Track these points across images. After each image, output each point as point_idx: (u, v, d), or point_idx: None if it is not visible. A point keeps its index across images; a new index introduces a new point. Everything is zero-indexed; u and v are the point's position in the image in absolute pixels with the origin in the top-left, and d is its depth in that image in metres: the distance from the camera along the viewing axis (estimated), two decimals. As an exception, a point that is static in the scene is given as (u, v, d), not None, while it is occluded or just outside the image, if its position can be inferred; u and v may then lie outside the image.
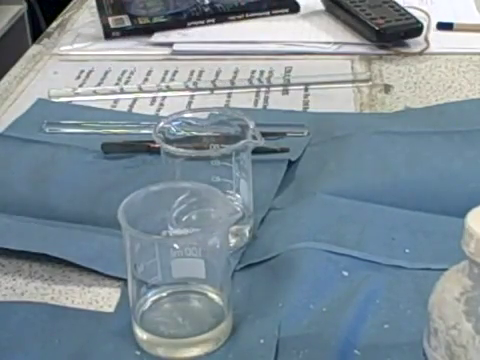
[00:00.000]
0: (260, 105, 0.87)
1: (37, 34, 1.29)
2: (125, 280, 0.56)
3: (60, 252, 0.61)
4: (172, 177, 0.61)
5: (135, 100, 0.89)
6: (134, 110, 0.87)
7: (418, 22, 0.99)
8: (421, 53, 0.97)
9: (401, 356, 0.51)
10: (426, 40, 0.99)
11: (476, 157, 0.71)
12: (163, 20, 1.07)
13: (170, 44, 1.03)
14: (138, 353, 0.53)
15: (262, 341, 0.52)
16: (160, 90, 0.91)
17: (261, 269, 0.60)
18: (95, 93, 0.90)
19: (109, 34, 1.04)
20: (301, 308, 0.55)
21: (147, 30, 1.06)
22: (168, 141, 0.62)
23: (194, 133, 0.65)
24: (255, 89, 0.91)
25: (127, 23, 1.07)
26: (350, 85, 0.90)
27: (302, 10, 1.12)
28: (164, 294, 0.55)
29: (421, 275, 0.58)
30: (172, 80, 0.94)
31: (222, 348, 0.53)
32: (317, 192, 0.67)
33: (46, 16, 2.03)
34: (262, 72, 0.95)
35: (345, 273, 0.58)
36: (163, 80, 0.94)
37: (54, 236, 0.64)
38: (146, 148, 0.76)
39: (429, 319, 0.43)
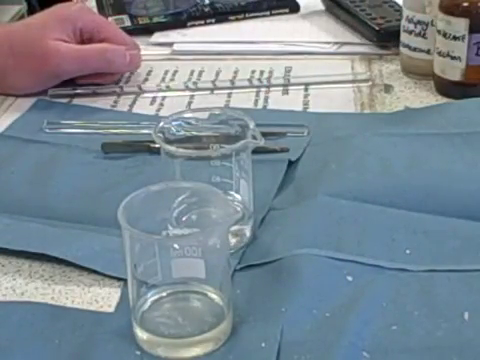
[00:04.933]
0: (260, 105, 0.87)
1: (37, 34, 1.29)
2: (125, 280, 0.56)
3: (60, 252, 0.61)
4: (172, 177, 0.61)
5: (135, 100, 0.89)
6: (134, 110, 0.87)
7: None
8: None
9: (411, 357, 0.51)
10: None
11: (476, 159, 0.71)
12: (163, 20, 1.07)
13: (170, 44, 1.03)
14: (138, 353, 0.53)
15: (263, 345, 0.52)
16: (160, 90, 0.91)
17: (262, 271, 0.60)
18: (95, 93, 0.90)
19: (109, 34, 1.04)
20: (304, 313, 0.54)
21: (147, 30, 1.06)
22: (168, 141, 0.62)
23: (194, 133, 0.65)
24: (255, 89, 0.91)
25: (127, 23, 1.07)
26: (350, 85, 0.90)
27: (302, 10, 1.12)
28: (164, 294, 0.55)
29: (426, 277, 0.58)
30: (172, 80, 0.94)
31: (222, 348, 0.53)
32: (317, 193, 0.67)
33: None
34: (262, 72, 0.95)
35: (349, 278, 0.58)
36: (163, 80, 0.94)
37: (54, 236, 0.64)
38: (146, 148, 0.76)
39: None
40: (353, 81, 0.91)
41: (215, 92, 0.91)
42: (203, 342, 0.53)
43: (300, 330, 0.53)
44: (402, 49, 0.92)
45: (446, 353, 0.51)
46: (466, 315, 0.54)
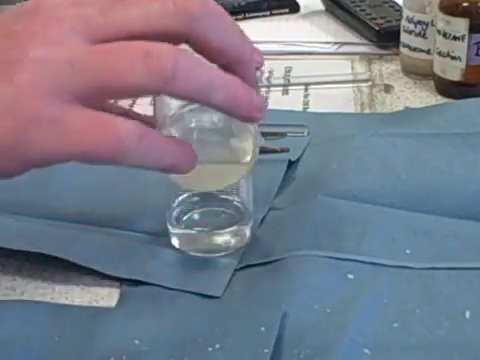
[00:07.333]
0: (260, 105, 0.87)
1: (37, 34, 1.29)
2: (125, 280, 0.56)
3: (60, 252, 0.61)
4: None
5: (135, 100, 0.89)
6: (134, 110, 0.87)
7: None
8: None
9: (412, 355, 0.51)
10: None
11: (476, 160, 0.71)
12: (163, 20, 1.07)
13: (170, 44, 1.03)
14: (137, 342, 0.52)
15: (263, 329, 0.52)
16: (160, 90, 0.91)
17: (262, 270, 0.60)
18: (95, 93, 0.90)
19: (109, 34, 1.04)
20: (304, 308, 0.54)
21: (147, 30, 1.06)
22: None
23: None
24: (255, 89, 0.91)
25: (127, 23, 1.07)
26: (350, 85, 0.90)
27: (302, 10, 1.12)
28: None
29: (427, 274, 0.58)
30: (172, 80, 0.94)
31: (218, 330, 0.52)
32: (317, 193, 0.67)
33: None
34: (262, 72, 0.95)
35: (350, 276, 0.58)
36: (163, 80, 0.94)
37: (54, 236, 0.64)
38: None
39: None
40: (353, 81, 0.91)
41: (215, 92, 0.91)
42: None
43: (300, 325, 0.53)
44: (402, 49, 0.92)
45: (447, 351, 0.51)
46: (467, 314, 0.54)
